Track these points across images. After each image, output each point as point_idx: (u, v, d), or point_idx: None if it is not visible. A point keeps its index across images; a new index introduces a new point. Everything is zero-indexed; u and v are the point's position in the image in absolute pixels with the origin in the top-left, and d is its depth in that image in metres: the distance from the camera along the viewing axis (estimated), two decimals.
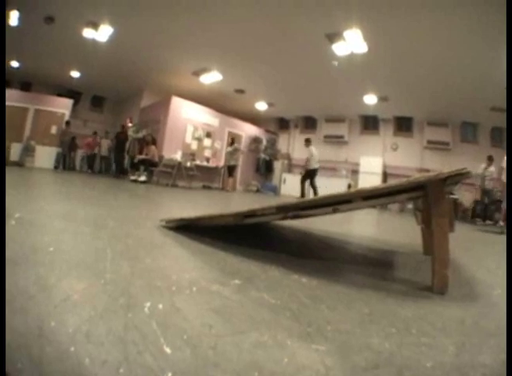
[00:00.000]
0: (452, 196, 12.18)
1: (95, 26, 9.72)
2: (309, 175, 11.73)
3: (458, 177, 1.79)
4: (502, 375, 1.03)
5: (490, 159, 11.14)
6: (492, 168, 11.09)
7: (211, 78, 12.93)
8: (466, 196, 13.20)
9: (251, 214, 2.24)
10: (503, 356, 1.15)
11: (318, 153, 11.91)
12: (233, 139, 13.71)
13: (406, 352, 1.09)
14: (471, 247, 4.75)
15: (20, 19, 9.22)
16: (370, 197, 1.96)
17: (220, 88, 14.13)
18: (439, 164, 13.76)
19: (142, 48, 11.10)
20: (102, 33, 10.03)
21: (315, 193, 11.44)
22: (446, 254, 1.76)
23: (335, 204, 2.06)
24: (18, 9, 8.82)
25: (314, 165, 11.66)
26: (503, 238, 6.45)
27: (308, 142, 11.98)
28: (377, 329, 1.26)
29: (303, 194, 11.43)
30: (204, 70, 12.31)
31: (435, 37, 8.29)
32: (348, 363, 0.98)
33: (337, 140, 16.18)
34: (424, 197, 1.90)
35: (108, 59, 12.21)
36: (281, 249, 2.53)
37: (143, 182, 11.14)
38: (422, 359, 1.05)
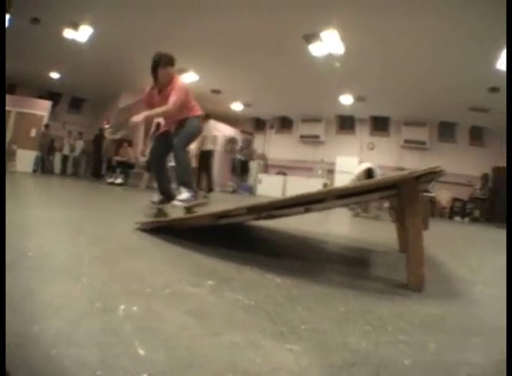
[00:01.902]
0: (428, 194, 12.38)
1: (75, 26, 9.65)
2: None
3: (432, 175, 1.81)
4: (488, 374, 1.04)
5: None
6: None
7: (188, 78, 12.82)
8: (443, 194, 13.41)
9: (225, 214, 2.22)
10: (491, 355, 1.16)
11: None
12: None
13: (383, 351, 1.09)
14: (451, 244, 4.83)
15: (10, 20, 9.10)
16: (344, 196, 1.96)
17: (196, 89, 14.07)
18: (416, 163, 13.88)
19: (120, 48, 11.00)
20: (82, 33, 9.97)
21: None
22: (421, 252, 1.77)
23: (308, 203, 2.06)
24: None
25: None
26: (487, 234, 6.58)
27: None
28: (354, 328, 1.26)
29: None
30: (181, 70, 12.24)
31: (414, 38, 8.41)
32: (324, 362, 0.98)
33: (312, 140, 16.24)
34: (398, 195, 1.92)
35: (87, 60, 12.05)
36: (258, 249, 2.53)
37: (120, 185, 10.98)
38: (400, 357, 1.05)
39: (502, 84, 9.78)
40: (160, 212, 4.22)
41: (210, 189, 9.76)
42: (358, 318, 1.36)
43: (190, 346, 0.98)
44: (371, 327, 1.28)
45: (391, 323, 1.33)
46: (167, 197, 4.27)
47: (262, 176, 16.54)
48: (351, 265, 2.45)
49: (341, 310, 1.43)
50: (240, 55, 10.66)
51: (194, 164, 9.73)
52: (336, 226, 5.69)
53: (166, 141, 4.18)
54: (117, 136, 13.17)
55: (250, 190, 16.19)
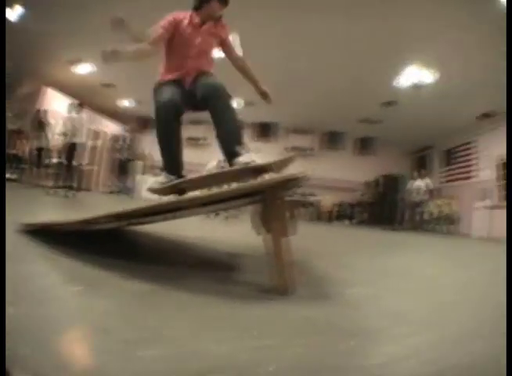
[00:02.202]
0: (314, 198, 12.95)
1: None
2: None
3: (295, 181, 1.86)
4: None
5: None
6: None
7: (84, 70, 12.18)
8: (327, 198, 14.12)
9: (93, 222, 2.11)
10: (361, 358, 1.20)
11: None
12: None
13: (245, 356, 1.08)
14: (331, 247, 5.09)
15: None
16: (210, 203, 1.95)
17: (91, 81, 13.34)
18: (301, 169, 14.52)
19: (21, 30, 10.15)
20: None
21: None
22: (286, 256, 1.81)
23: (174, 210, 2.00)
24: None
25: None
26: (373, 236, 6.96)
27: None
28: (217, 333, 1.25)
29: None
30: (76, 60, 11.56)
31: (312, 45, 8.67)
32: (184, 369, 0.96)
33: (200, 142, 16.15)
34: (262, 200, 1.90)
35: None
36: (133, 254, 2.48)
37: (13, 181, 10.07)
38: (264, 363, 1.03)
39: (400, 98, 10.53)
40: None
41: (71, 186, 9.14)
42: (223, 323, 1.37)
43: None
44: (235, 333, 1.28)
45: (256, 328, 1.33)
46: (179, 171, 3.14)
47: (145, 177, 15.98)
48: (219, 270, 2.45)
49: (205, 316, 1.43)
50: None
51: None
52: (209, 230, 5.70)
53: (182, 92, 3.00)
54: (15, 126, 12.05)
55: (132, 192, 15.66)
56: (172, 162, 3.20)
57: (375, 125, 13.27)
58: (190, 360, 1.02)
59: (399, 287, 2.50)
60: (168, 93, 2.90)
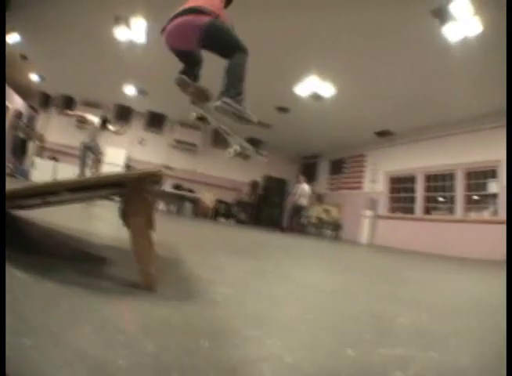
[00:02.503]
0: (194, 195, 12.93)
1: None
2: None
3: (155, 178, 1.81)
4: None
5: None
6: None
7: (9, 39, 11.02)
8: (207, 195, 14.17)
9: None
10: (204, 357, 1.18)
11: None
12: None
13: (100, 351, 1.06)
14: (202, 245, 5.04)
15: None
16: (77, 190, 1.86)
17: (11, 52, 12.11)
18: (184, 164, 14.53)
19: None
20: None
21: None
22: (146, 252, 1.78)
23: (43, 194, 1.91)
24: None
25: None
26: (249, 236, 7.02)
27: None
28: (75, 326, 1.22)
29: None
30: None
31: None
32: (45, 357, 0.94)
33: (89, 127, 15.43)
34: (124, 194, 1.88)
35: None
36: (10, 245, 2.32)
37: None
38: (115, 358, 1.03)
39: (293, 106, 10.76)
40: None
41: None
42: (82, 317, 1.33)
43: None
44: (91, 327, 1.24)
45: (112, 324, 1.30)
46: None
47: (38, 160, 14.94)
48: (89, 263, 2.37)
49: (66, 308, 1.38)
50: (55, 23, 9.69)
51: None
52: (88, 219, 5.58)
53: None
54: None
55: (26, 175, 14.50)
56: None
57: (264, 128, 13.54)
58: (56, 352, 1.00)
59: (265, 290, 2.54)
60: None
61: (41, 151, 15.89)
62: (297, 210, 12.65)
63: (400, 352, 1.46)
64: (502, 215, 8.89)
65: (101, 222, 5.76)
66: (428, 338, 1.71)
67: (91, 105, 15.43)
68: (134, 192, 1.78)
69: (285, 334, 1.59)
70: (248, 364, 1.19)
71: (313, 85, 9.76)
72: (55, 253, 2.43)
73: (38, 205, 2.38)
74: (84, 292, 1.62)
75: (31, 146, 15.61)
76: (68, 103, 16.01)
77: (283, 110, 11.88)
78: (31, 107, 16.46)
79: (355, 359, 1.35)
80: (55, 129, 15.70)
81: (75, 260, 2.35)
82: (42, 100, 16.64)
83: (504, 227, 8.47)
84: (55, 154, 15.23)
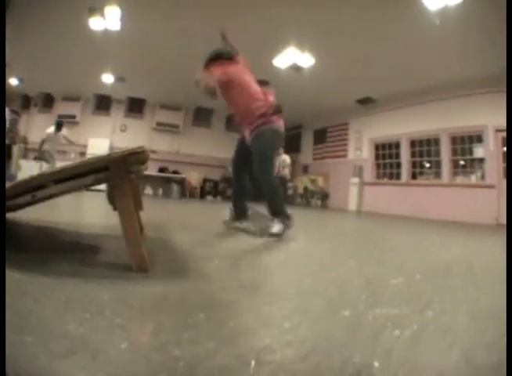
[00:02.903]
0: (180, 176, 12.87)
1: None
2: None
3: (139, 156, 1.79)
4: (211, 352, 1.06)
5: None
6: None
7: None
8: (193, 175, 14.12)
9: None
10: (213, 330, 1.19)
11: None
12: None
13: (100, 336, 1.08)
14: (193, 223, 5.09)
15: None
16: (63, 180, 1.84)
17: None
18: (168, 146, 14.48)
19: None
20: None
21: None
22: (136, 233, 1.78)
23: (31, 190, 1.92)
24: None
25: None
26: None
27: None
28: (72, 315, 1.22)
29: None
30: None
31: (181, 24, 8.51)
32: (47, 351, 0.94)
33: (68, 120, 15.21)
34: (109, 177, 1.88)
35: None
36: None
37: None
38: (116, 341, 1.04)
39: (273, 78, 10.66)
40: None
41: None
42: (78, 305, 1.32)
43: None
44: (89, 314, 1.24)
45: (109, 308, 1.31)
46: (242, 211, 4.12)
47: (23, 162, 14.76)
48: (81, 253, 2.36)
49: (62, 299, 1.37)
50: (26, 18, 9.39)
51: None
52: (79, 213, 5.53)
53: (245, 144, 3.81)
54: None
55: (14, 179, 14.35)
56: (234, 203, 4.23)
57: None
58: (54, 343, 1.00)
59: (257, 261, 2.58)
60: (235, 148, 4.04)
61: (26, 153, 15.63)
62: (280, 182, 12.57)
63: (396, 312, 1.48)
64: (489, 179, 8.99)
65: (90, 213, 5.77)
66: (423, 298, 1.74)
67: (71, 99, 15.24)
68: (119, 173, 1.77)
69: (280, 301, 1.62)
70: (246, 332, 1.21)
71: (292, 57, 9.66)
72: (46, 248, 2.43)
73: (28, 204, 2.35)
74: (79, 281, 1.63)
75: (16, 150, 15.35)
76: (48, 100, 15.82)
77: (263, 83, 11.76)
78: (13, 111, 16.07)
79: (351, 320, 1.37)
80: (37, 129, 15.30)
81: (67, 252, 2.36)
82: (23, 102, 16.34)
83: (491, 191, 8.61)
84: (37, 154, 14.99)
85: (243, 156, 3.93)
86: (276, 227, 3.59)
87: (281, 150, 12.61)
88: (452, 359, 1.08)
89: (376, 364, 1.02)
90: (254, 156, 3.67)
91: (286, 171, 12.37)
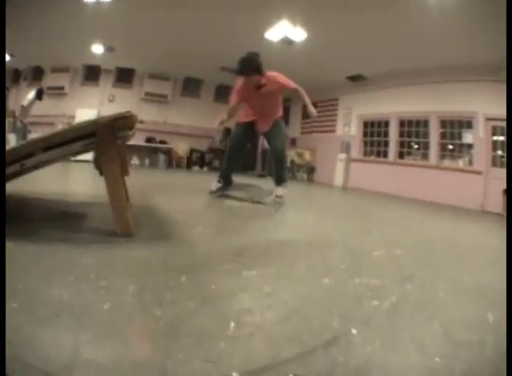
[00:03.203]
0: (166, 146, 12.80)
1: None
2: None
3: (127, 121, 1.78)
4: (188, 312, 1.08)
5: None
6: None
7: None
8: (180, 145, 14.04)
9: None
10: (193, 292, 1.22)
11: None
12: None
13: (84, 298, 1.10)
14: (176, 190, 5.11)
15: None
16: (51, 147, 1.81)
17: None
18: (156, 116, 14.36)
19: None
20: None
21: None
22: (122, 198, 1.78)
23: (21, 159, 1.86)
24: None
25: None
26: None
27: None
28: (58, 280, 1.23)
29: None
30: None
31: None
32: (33, 317, 0.96)
33: (56, 92, 14.92)
34: (95, 142, 1.85)
35: None
36: None
37: None
38: (99, 303, 1.06)
39: (264, 51, 10.52)
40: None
41: None
42: (63, 270, 1.34)
43: None
44: (73, 278, 1.26)
45: (93, 271, 1.33)
46: (229, 182, 4.65)
47: (11, 137, 14.40)
48: (68, 220, 2.35)
49: (49, 265, 1.39)
50: None
51: None
52: (66, 183, 5.50)
53: (252, 131, 4.54)
54: None
55: None
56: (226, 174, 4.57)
57: (235, 75, 13.37)
58: (40, 308, 1.02)
59: (240, 227, 2.60)
60: (239, 131, 4.57)
61: (15, 127, 15.29)
62: (267, 154, 12.52)
63: (375, 283, 1.52)
64: (476, 165, 9.02)
65: (77, 183, 5.76)
66: (403, 271, 1.78)
67: (60, 70, 14.89)
68: (106, 139, 1.76)
69: (261, 265, 1.64)
70: (227, 295, 1.23)
71: (284, 30, 9.53)
72: (34, 217, 2.42)
73: (15, 174, 2.32)
74: (66, 247, 1.64)
75: (5, 126, 15.04)
76: (37, 73, 15.44)
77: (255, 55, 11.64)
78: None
79: (331, 288, 1.40)
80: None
81: (54, 220, 2.35)
82: (13, 76, 15.89)
83: (478, 177, 8.68)
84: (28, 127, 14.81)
85: (248, 140, 4.66)
86: (282, 190, 4.39)
87: None
88: (430, 333, 1.10)
89: (354, 331, 1.04)
90: (275, 138, 4.41)
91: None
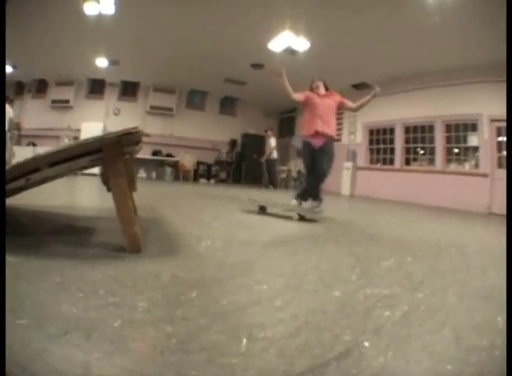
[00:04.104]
0: (173, 159, 12.77)
1: None
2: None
3: (133, 136, 1.77)
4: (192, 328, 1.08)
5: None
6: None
7: None
8: (186, 158, 14.05)
9: None
10: (204, 306, 1.21)
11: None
12: None
13: (93, 315, 1.08)
14: (187, 205, 5.04)
15: None
16: (57, 163, 1.81)
17: None
18: (161, 129, 14.39)
19: None
20: None
21: None
22: (129, 212, 1.77)
23: (27, 174, 1.89)
24: None
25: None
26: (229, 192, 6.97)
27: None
28: (67, 296, 1.22)
29: None
30: None
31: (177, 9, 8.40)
32: (43, 333, 0.95)
33: (62, 105, 15.03)
34: (103, 157, 1.85)
35: None
36: None
37: None
38: (109, 319, 1.05)
39: (268, 61, 10.55)
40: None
41: None
42: (72, 286, 1.33)
43: None
44: (82, 294, 1.25)
45: (102, 287, 1.32)
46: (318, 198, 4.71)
47: (16, 149, 14.46)
48: (75, 235, 2.36)
49: (57, 280, 1.38)
50: None
51: None
52: (73, 197, 5.47)
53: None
54: None
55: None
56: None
57: (239, 86, 13.36)
58: (49, 324, 1.01)
59: (249, 240, 2.58)
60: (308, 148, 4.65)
61: (19, 139, 15.38)
62: (270, 164, 12.48)
63: (386, 293, 1.50)
64: (482, 167, 8.96)
65: (84, 197, 5.75)
66: (413, 279, 1.75)
67: (64, 84, 14.99)
68: (113, 153, 1.76)
69: (272, 279, 1.63)
70: (238, 309, 1.22)
71: (287, 40, 9.56)
72: (41, 231, 2.42)
73: (21, 189, 2.33)
74: (73, 262, 1.63)
75: (10, 138, 15.12)
76: (41, 86, 15.54)
77: (257, 66, 11.65)
78: (6, 97, 15.83)
79: (342, 300, 1.38)
80: (29, 114, 15.15)
81: (61, 234, 2.35)
82: (17, 88, 15.88)
83: (485, 180, 8.62)
84: (32, 139, 14.81)
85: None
86: (321, 206, 4.65)
87: (269, 133, 12.47)
88: (441, 339, 1.09)
89: (366, 344, 1.03)
90: (327, 160, 4.58)
91: (275, 154, 12.23)
